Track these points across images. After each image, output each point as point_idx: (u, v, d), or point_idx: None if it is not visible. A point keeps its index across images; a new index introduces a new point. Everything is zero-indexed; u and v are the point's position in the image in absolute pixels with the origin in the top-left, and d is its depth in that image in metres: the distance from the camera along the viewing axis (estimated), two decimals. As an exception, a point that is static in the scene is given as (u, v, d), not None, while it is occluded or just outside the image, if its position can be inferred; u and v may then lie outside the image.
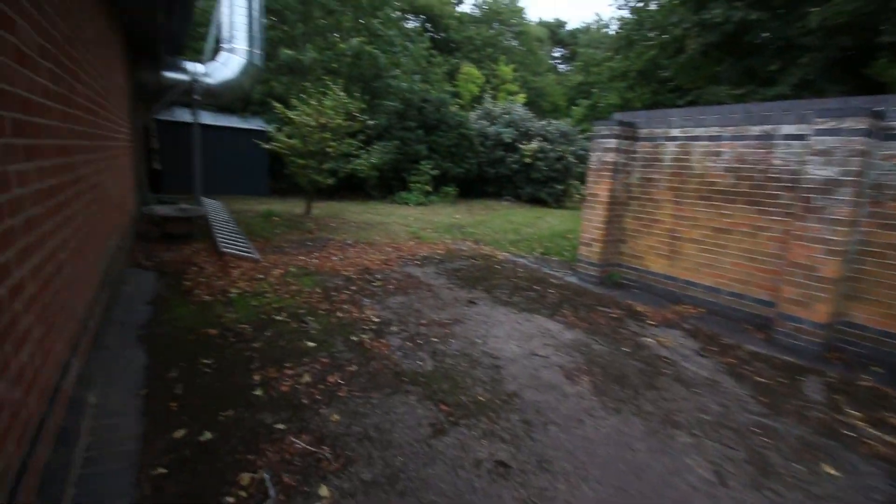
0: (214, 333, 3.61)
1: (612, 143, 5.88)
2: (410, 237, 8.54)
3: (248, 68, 8.57)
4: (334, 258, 6.39)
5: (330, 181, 8.97)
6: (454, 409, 2.80)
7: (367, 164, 9.53)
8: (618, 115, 6.19)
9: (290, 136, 8.85)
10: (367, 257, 6.59)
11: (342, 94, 9.00)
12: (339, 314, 4.23)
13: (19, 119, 1.78)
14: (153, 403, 2.63)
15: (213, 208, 9.15)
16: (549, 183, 17.06)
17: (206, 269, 5.42)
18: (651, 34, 13.70)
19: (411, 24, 32.68)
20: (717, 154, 5.12)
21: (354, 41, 12.16)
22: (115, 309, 3.97)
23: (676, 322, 4.73)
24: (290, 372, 3.09)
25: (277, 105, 8.72)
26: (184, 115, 12.07)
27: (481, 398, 2.96)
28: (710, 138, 5.18)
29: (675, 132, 5.53)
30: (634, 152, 5.99)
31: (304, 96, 8.74)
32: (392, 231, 9.01)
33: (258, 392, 2.82)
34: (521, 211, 14.97)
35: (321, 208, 11.49)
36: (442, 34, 37.93)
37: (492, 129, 17.25)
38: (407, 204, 13.74)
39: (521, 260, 7.40)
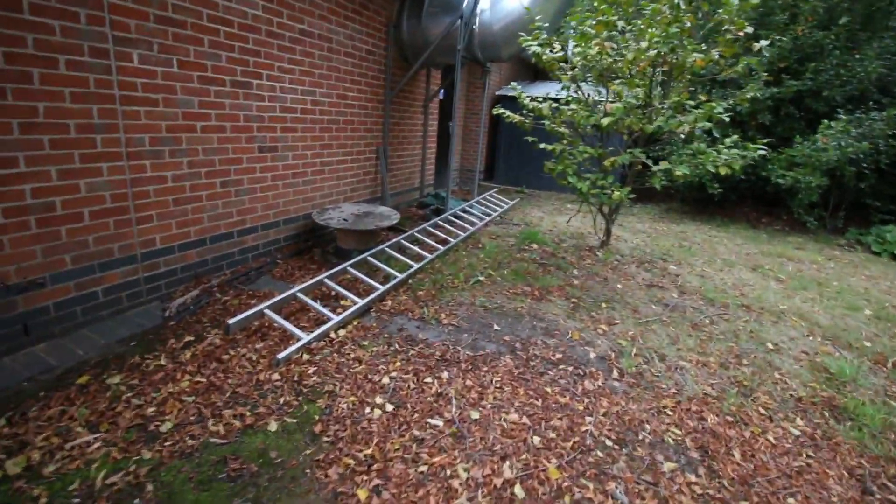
0: None
1: None
2: (812, 391, 2.79)
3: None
4: (447, 414, 2.34)
5: (619, 194, 4.10)
6: None
7: (719, 163, 3.98)
8: None
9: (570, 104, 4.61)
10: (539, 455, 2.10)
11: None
12: None
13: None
14: None
15: (480, 212, 6.42)
16: None
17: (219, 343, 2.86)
18: None
19: None
20: None
21: None
22: None
23: None
24: None
25: (532, 46, 4.33)
26: (535, 89, 9.56)
27: None
28: None
29: None
30: None
31: (593, 20, 4.04)
32: (759, 348, 3.37)
33: None
34: None
35: (655, 234, 6.43)
36: None
37: None
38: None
39: None
